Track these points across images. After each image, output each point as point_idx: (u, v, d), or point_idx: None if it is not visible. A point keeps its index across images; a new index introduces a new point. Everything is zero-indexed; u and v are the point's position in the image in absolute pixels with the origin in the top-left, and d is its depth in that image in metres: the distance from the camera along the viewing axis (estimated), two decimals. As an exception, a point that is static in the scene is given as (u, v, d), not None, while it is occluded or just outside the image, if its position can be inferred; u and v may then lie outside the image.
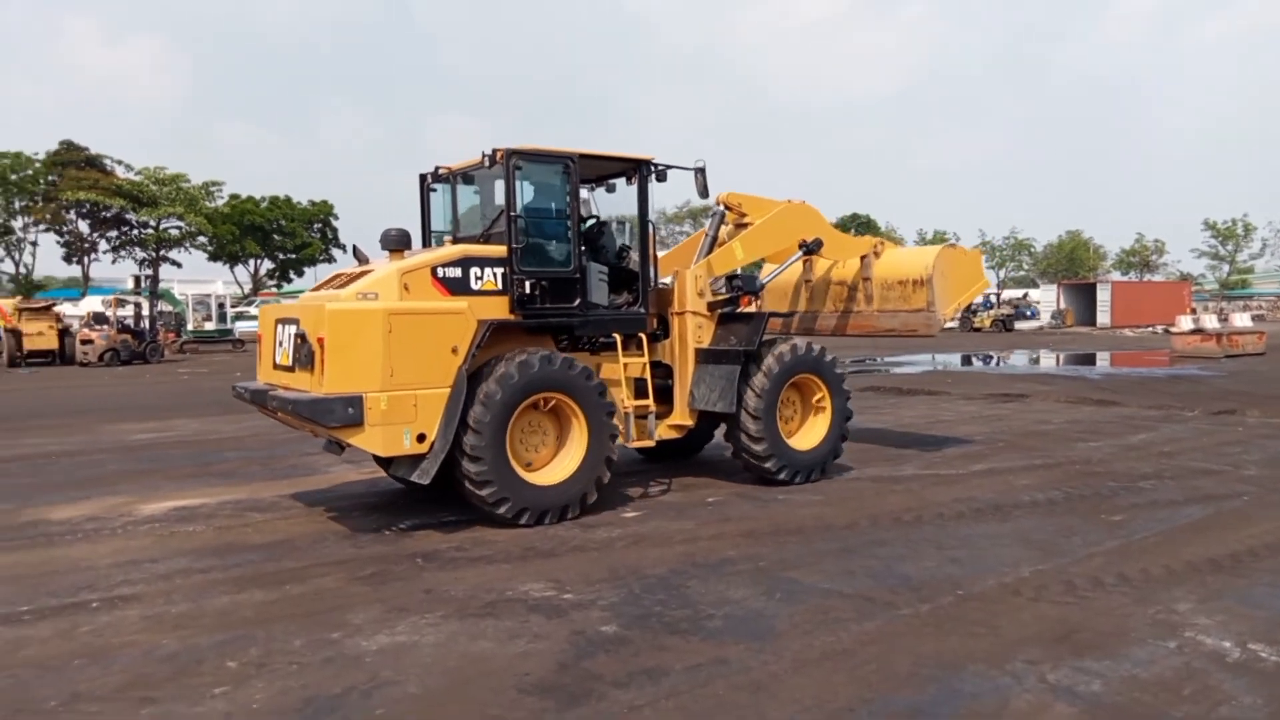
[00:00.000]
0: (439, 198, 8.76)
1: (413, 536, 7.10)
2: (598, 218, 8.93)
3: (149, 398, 19.24)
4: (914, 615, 5.21)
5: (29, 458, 11.15)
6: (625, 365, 8.23)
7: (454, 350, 7.01)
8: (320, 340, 6.76)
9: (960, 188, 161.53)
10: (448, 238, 8.46)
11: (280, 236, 63.08)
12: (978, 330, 50.97)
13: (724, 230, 9.73)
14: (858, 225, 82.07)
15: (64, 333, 30.47)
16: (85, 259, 57.77)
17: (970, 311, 53.92)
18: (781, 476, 8.63)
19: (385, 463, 7.96)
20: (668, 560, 6.37)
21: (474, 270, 7.39)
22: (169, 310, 37.90)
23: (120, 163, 55.38)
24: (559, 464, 7.63)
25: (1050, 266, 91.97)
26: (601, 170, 8.77)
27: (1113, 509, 7.69)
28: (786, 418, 9.01)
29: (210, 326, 42.90)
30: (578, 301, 7.84)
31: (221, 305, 44.83)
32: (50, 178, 53.24)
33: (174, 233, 57.73)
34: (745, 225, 9.55)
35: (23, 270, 56.62)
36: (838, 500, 8.17)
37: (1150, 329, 48.28)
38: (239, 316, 45.77)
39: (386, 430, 6.76)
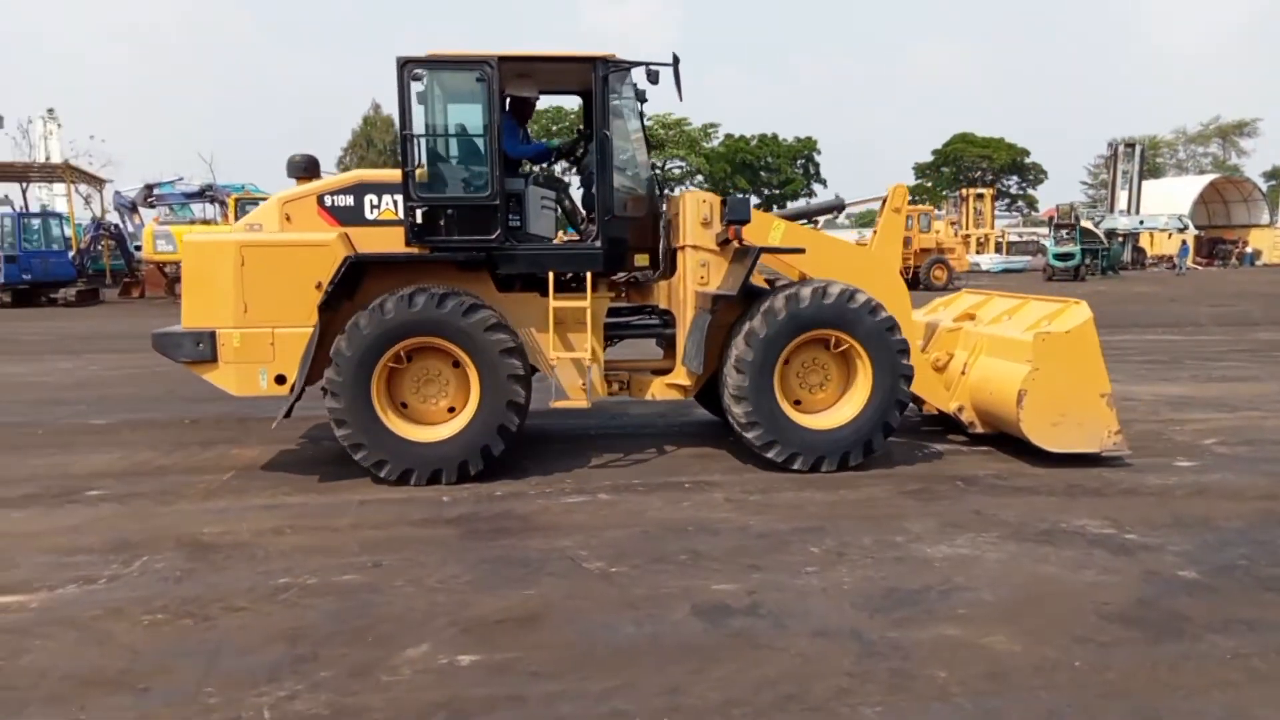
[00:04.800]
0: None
1: (946, 460, 7.32)
2: (582, 133, 7.74)
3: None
4: None
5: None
6: (554, 310, 6.84)
7: (319, 286, 6.48)
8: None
9: None
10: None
11: (767, 173, 66.71)
12: None
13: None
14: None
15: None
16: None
17: None
18: (770, 455, 6.81)
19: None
20: (1243, 514, 5.84)
21: (369, 198, 6.77)
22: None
23: (633, 110, 62.58)
24: (455, 419, 6.70)
25: None
26: (553, 78, 7.48)
27: None
28: (811, 385, 7.12)
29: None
30: (497, 232, 6.72)
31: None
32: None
33: (676, 171, 63.77)
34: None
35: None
36: None
37: None
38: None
39: (240, 369, 6.55)
